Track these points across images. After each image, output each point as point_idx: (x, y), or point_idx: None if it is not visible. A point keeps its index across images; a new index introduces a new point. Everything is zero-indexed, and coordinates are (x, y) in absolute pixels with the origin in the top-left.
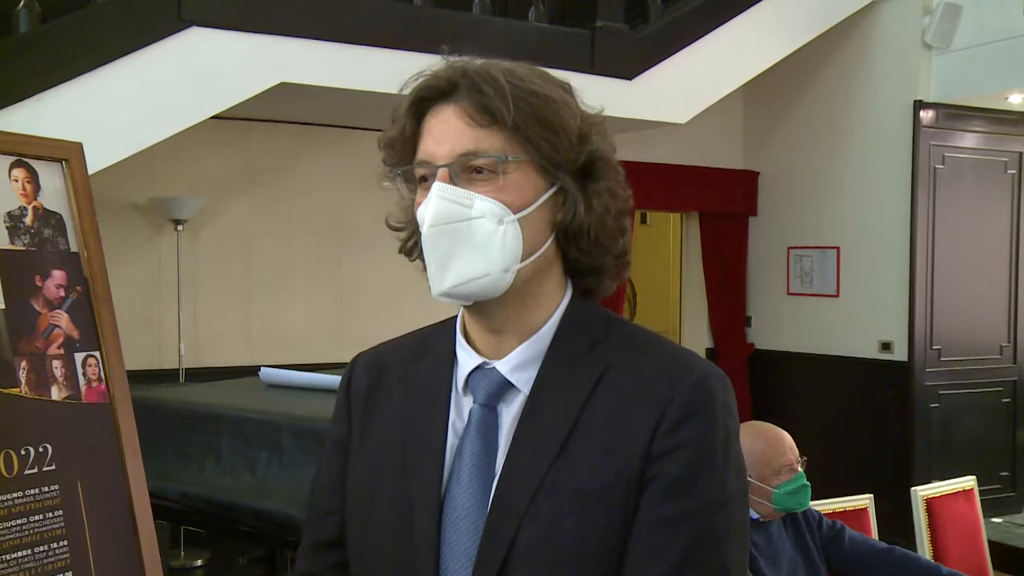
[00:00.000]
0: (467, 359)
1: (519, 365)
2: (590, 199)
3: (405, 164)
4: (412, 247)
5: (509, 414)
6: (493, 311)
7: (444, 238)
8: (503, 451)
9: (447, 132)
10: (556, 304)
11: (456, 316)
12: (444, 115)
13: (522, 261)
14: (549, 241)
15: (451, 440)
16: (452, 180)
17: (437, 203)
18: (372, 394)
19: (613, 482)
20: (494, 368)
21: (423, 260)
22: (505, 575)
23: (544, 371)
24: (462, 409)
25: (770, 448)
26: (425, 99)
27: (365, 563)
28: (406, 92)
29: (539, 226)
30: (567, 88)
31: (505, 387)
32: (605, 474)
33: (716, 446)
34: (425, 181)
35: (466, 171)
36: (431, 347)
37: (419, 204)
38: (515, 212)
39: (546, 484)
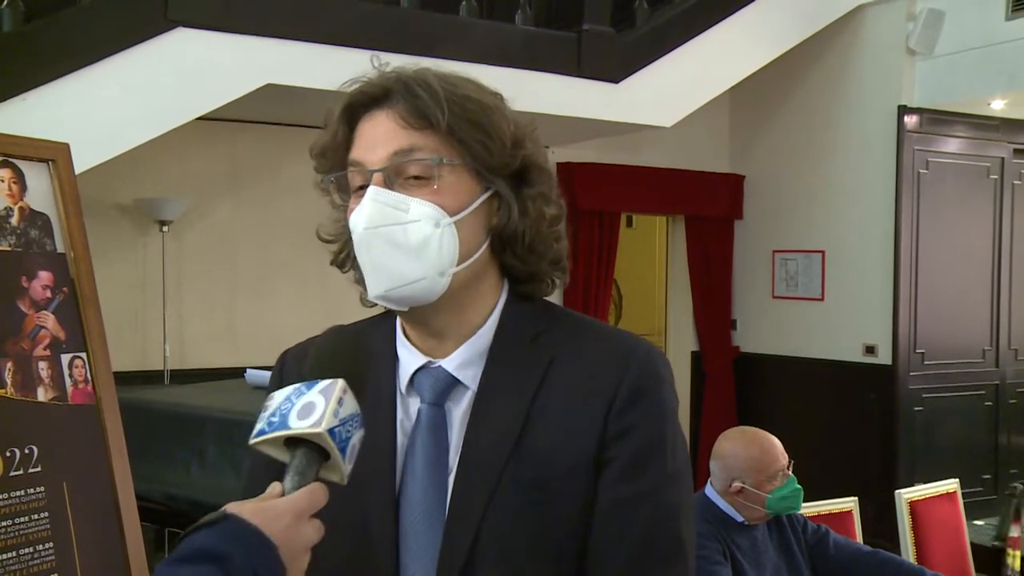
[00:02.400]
0: (410, 359)
1: (464, 363)
2: (524, 204)
3: (338, 171)
4: (345, 258)
5: (458, 411)
6: (429, 316)
7: (379, 241)
8: (455, 448)
9: (380, 136)
10: (492, 306)
11: (389, 312)
12: (377, 120)
13: (458, 265)
14: (484, 245)
15: (400, 440)
16: (388, 185)
17: (372, 206)
18: None
19: (573, 467)
20: (440, 366)
21: (356, 271)
22: (471, 568)
23: (490, 366)
24: (408, 409)
25: (764, 454)
26: (358, 105)
27: (313, 566)
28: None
29: (474, 230)
30: (499, 96)
31: (452, 385)
32: (565, 461)
33: (665, 425)
34: (361, 189)
35: (401, 176)
36: (367, 347)
37: (351, 211)
38: (451, 215)
39: (505, 476)
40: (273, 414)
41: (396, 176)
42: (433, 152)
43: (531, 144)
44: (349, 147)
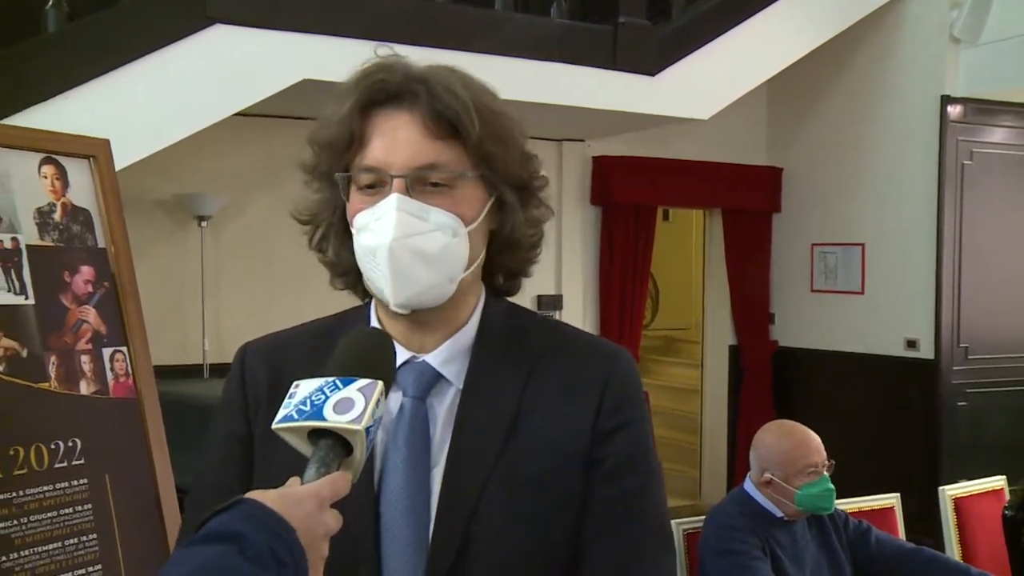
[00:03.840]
0: None
1: (448, 359)
2: (529, 211)
3: (346, 166)
4: (323, 242)
5: (441, 407)
6: (427, 316)
7: (405, 251)
8: (438, 442)
9: (402, 139)
10: (476, 302)
11: (358, 308)
12: (398, 120)
13: (465, 270)
14: (484, 249)
15: (379, 434)
16: (407, 191)
17: (398, 216)
18: (276, 389)
19: (564, 465)
20: (424, 361)
21: (358, 265)
22: (461, 563)
23: (475, 363)
24: (388, 403)
25: (796, 448)
26: (376, 101)
27: None
28: (349, 86)
29: (481, 236)
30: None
31: (436, 380)
32: (555, 458)
33: (646, 427)
34: (372, 188)
35: (420, 183)
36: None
37: (358, 209)
38: (467, 225)
39: (497, 471)
40: (303, 403)
41: (415, 183)
42: (457, 164)
43: (533, 153)
44: (362, 141)
